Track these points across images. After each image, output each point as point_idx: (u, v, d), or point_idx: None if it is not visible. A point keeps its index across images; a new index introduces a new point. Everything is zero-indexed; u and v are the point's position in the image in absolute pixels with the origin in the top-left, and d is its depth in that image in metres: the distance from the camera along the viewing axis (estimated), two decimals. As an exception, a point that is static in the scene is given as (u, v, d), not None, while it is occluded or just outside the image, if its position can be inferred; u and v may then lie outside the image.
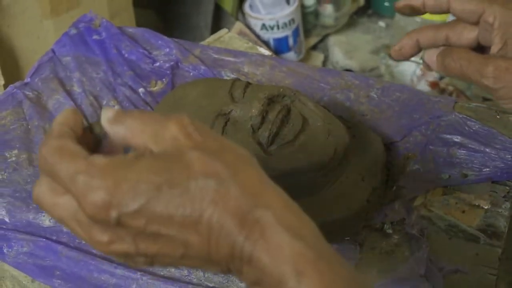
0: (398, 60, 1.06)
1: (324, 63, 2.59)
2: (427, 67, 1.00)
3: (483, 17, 0.95)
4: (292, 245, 0.60)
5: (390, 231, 0.98)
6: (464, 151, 1.07)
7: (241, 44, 1.35)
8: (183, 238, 0.61)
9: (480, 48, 0.98)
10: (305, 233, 0.62)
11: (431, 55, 0.98)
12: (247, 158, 0.65)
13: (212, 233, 0.61)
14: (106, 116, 0.66)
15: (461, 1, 0.96)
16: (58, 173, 0.63)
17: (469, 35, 0.98)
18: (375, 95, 1.17)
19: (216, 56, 1.27)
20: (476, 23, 0.97)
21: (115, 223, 0.61)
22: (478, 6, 0.95)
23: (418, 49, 1.02)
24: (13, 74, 1.73)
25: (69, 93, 1.19)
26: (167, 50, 1.27)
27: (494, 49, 0.94)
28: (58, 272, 0.95)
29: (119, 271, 0.93)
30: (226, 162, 0.62)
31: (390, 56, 1.05)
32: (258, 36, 2.43)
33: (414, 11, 1.01)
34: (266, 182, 0.64)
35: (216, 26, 2.41)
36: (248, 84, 1.03)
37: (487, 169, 1.04)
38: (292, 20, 2.43)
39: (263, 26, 2.42)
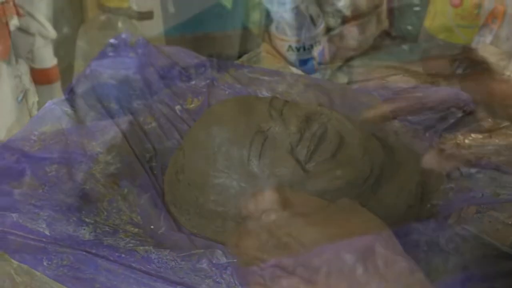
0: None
1: (348, 84, 2.60)
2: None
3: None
4: None
5: (425, 248, 0.98)
6: (496, 170, 1.07)
7: (273, 64, 1.36)
8: None
9: None
10: None
11: (430, 159, 0.97)
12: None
13: None
14: None
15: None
16: None
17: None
18: (407, 114, 1.18)
19: (250, 75, 1.28)
20: None
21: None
22: None
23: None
24: (45, 92, 1.75)
25: (107, 109, 1.20)
26: (203, 68, 1.28)
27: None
28: (98, 285, 0.95)
29: (159, 284, 0.94)
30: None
31: None
32: (284, 58, 2.44)
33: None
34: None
35: (242, 47, 2.43)
36: (285, 102, 1.04)
37: (520, 189, 1.05)
38: (318, 42, 2.44)
39: (289, 48, 2.44)
